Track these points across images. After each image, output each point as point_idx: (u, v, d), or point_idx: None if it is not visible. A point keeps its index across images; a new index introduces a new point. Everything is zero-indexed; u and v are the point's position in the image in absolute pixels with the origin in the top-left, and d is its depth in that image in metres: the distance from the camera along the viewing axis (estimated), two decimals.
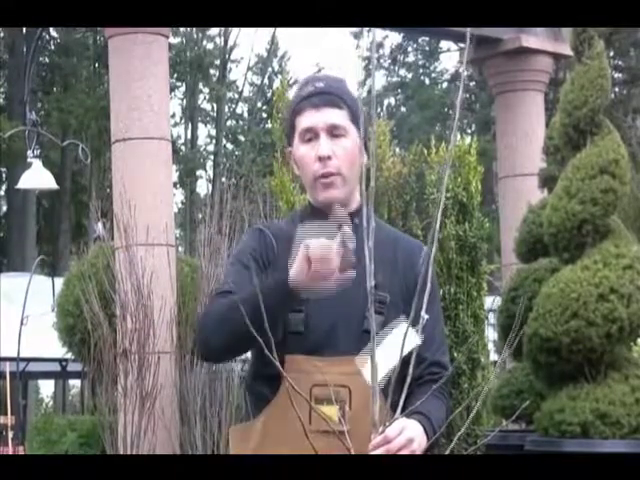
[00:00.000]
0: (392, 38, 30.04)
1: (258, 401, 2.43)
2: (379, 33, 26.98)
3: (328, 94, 2.43)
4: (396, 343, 2.03)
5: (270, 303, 2.08)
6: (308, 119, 2.42)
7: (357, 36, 29.78)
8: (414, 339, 2.04)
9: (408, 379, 2.00)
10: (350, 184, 2.43)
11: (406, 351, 1.99)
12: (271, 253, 2.42)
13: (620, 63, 24.15)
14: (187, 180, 29.77)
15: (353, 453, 1.98)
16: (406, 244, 2.51)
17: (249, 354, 2.53)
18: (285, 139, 2.58)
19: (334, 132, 2.41)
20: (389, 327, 2.18)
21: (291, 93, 6.62)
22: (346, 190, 2.42)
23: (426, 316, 2.05)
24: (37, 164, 9.49)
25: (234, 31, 30.67)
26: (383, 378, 2.00)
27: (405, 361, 2.00)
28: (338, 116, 2.42)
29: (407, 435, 2.11)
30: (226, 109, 32.26)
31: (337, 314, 2.36)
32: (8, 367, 11.54)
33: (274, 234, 2.45)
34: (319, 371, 2.31)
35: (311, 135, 2.42)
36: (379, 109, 30.34)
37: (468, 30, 1.94)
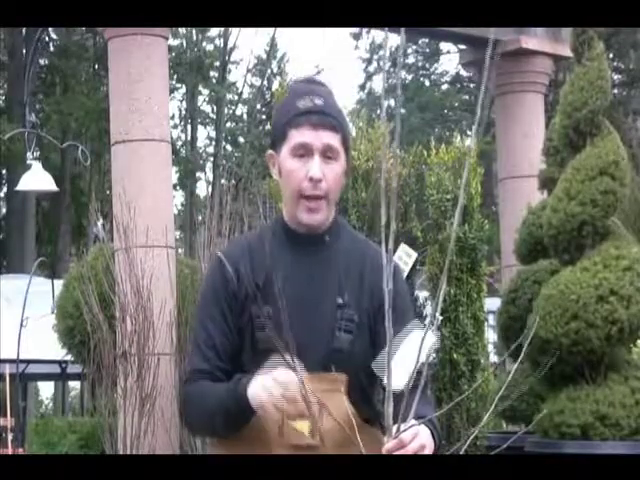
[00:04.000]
0: (392, 40, 30.04)
1: None
2: (378, 35, 27.03)
3: (326, 115, 2.42)
4: (412, 349, 2.02)
5: (231, 410, 2.30)
6: (304, 136, 2.41)
7: (357, 37, 29.81)
8: (431, 340, 2.05)
9: (421, 382, 2.01)
10: (331, 206, 2.48)
11: (425, 354, 1.99)
12: (232, 284, 2.44)
13: (620, 65, 24.16)
14: (187, 182, 29.74)
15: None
16: (374, 261, 2.43)
17: None
18: (270, 140, 2.55)
19: (327, 154, 2.41)
20: (400, 336, 2.17)
21: None
22: (327, 213, 2.47)
23: (441, 317, 2.07)
24: (37, 166, 9.50)
25: (234, 32, 30.65)
26: (406, 384, 1.99)
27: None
28: (333, 139, 2.42)
29: (421, 441, 2.11)
30: (226, 111, 32.25)
31: (306, 332, 2.36)
32: (8, 369, 11.53)
33: (234, 262, 2.46)
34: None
35: (304, 152, 2.41)
36: (378, 111, 30.32)
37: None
